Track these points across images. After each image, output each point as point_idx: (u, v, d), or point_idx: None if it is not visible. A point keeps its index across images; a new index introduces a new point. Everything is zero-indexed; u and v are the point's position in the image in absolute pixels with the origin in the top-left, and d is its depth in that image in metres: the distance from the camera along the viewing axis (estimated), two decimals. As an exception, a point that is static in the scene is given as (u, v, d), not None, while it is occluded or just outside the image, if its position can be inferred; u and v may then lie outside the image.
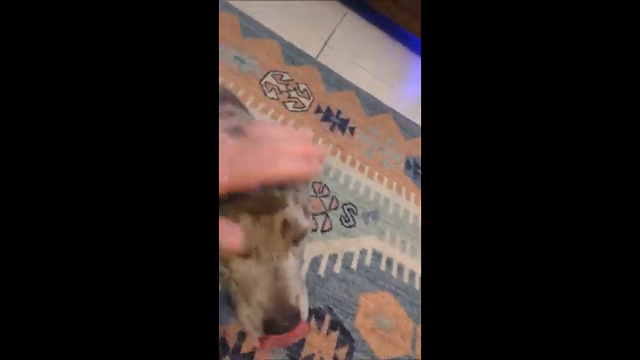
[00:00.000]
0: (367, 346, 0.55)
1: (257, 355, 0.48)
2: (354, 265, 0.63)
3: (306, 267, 0.59)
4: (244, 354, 0.48)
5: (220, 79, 0.77)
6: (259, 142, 0.33)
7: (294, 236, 0.33)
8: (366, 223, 0.70)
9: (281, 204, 0.33)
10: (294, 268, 0.34)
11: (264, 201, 0.32)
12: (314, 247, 0.62)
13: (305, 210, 0.35)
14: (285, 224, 0.33)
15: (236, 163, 0.31)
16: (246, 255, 0.32)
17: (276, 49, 0.91)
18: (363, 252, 0.65)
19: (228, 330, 0.49)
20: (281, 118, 0.78)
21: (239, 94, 0.77)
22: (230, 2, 0.94)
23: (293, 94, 0.84)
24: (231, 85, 0.77)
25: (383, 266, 0.65)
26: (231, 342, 0.48)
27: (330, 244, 0.63)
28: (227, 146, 0.31)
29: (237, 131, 0.33)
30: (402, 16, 1.18)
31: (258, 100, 0.78)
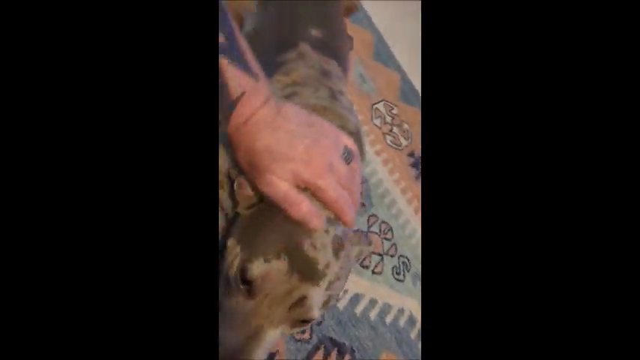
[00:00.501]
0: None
1: (275, 362, 0.48)
2: (388, 320, 0.61)
3: (346, 300, 0.58)
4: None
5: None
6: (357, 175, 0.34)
7: (298, 316, 0.30)
8: (414, 284, 0.68)
9: (315, 278, 0.29)
10: (268, 342, 0.30)
11: (306, 261, 0.29)
12: (362, 283, 0.61)
13: (327, 301, 0.31)
14: (301, 301, 0.29)
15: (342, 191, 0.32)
16: (250, 292, 0.29)
17: (396, 82, 0.93)
18: (401, 311, 0.64)
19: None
20: (377, 147, 0.78)
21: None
22: (374, 22, 0.97)
23: (395, 129, 0.85)
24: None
25: (414, 334, 0.63)
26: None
27: (376, 288, 0.62)
28: (341, 174, 0.32)
29: (348, 155, 0.33)
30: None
31: (363, 122, 0.79)
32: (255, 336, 0.29)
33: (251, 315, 0.30)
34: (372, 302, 0.61)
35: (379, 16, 0.99)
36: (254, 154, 0.30)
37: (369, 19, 0.96)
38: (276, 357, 0.48)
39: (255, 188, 0.32)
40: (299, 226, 0.30)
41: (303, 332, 0.52)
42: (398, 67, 0.96)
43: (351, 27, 0.90)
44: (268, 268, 0.29)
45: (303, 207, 0.30)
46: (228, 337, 0.29)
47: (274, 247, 0.29)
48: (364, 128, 0.78)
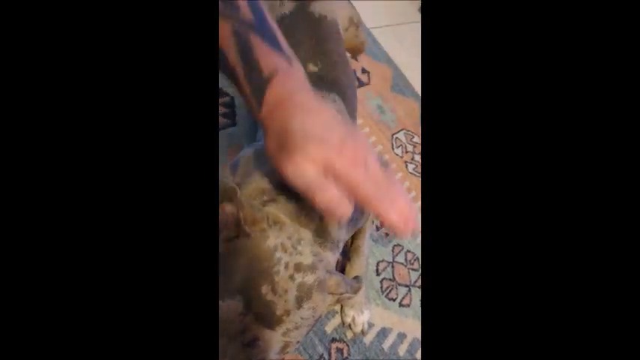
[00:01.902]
0: None
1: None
2: (418, 355, 0.58)
3: (373, 334, 0.56)
4: None
5: (359, 122, 0.82)
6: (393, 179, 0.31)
7: (252, 356, 0.29)
8: (446, 317, 0.65)
9: (271, 322, 0.29)
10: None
11: (263, 305, 0.28)
12: (389, 317, 0.59)
13: (284, 347, 0.30)
14: (254, 342, 0.28)
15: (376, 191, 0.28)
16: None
17: (415, 110, 0.94)
18: (433, 346, 0.61)
19: (286, 357, 0.49)
20: (399, 175, 0.79)
21: (370, 140, 0.80)
22: (392, 57, 1.01)
23: (417, 157, 0.85)
24: (366, 130, 0.81)
25: (448, 372, 0.59)
26: None
27: (404, 321, 0.60)
28: (377, 174, 0.28)
29: (384, 163, 0.32)
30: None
31: (384, 151, 0.80)
32: None
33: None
34: (401, 336, 0.58)
35: (396, 50, 1.03)
36: (287, 134, 0.27)
37: (385, 54, 1.00)
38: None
39: (278, 175, 0.29)
40: (261, 271, 0.30)
41: (328, 368, 0.51)
42: (416, 97, 0.97)
43: (370, 63, 0.94)
44: (223, 306, 0.29)
45: (329, 193, 0.27)
46: None
47: (231, 286, 0.29)
48: (385, 157, 0.79)
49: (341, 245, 0.41)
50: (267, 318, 0.29)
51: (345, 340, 0.54)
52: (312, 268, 0.31)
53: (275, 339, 0.29)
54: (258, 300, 0.29)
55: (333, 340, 0.53)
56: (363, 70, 0.92)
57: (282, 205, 0.35)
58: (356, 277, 0.35)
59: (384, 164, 0.32)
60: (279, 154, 0.28)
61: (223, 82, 0.70)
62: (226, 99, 0.69)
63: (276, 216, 0.34)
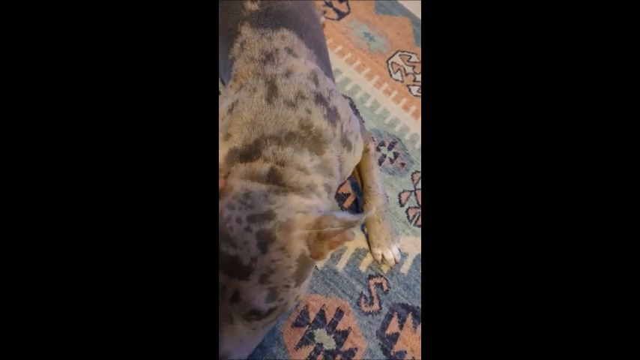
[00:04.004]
0: None
1: (350, 336, 0.48)
2: (460, 273, 0.58)
3: (409, 263, 0.56)
4: (339, 331, 0.49)
5: (348, 56, 0.76)
6: None
7: (242, 310, 0.32)
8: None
9: (241, 273, 0.31)
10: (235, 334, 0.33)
11: (228, 260, 0.31)
12: (419, 243, 0.58)
13: (272, 294, 0.33)
14: (236, 296, 0.32)
15: None
16: None
17: (407, 28, 0.86)
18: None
19: (328, 304, 0.50)
20: (403, 101, 0.74)
21: (364, 72, 0.75)
22: (367, -25, 0.90)
23: (418, 77, 0.79)
24: (357, 63, 0.76)
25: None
26: (329, 316, 0.49)
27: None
28: None
29: None
30: None
31: (382, 80, 0.75)
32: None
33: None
34: (438, 259, 0.58)
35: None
36: None
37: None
38: (350, 334, 0.48)
39: None
40: (219, 234, 0.32)
41: (371, 304, 0.51)
42: (406, 13, 0.88)
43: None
44: None
45: None
46: None
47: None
48: (384, 87, 0.74)
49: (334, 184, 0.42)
50: (237, 270, 0.32)
51: (382, 274, 0.54)
52: (268, 215, 0.33)
53: (254, 288, 0.32)
54: (222, 258, 0.32)
55: (370, 277, 0.53)
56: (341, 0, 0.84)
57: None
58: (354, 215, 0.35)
59: None
60: None
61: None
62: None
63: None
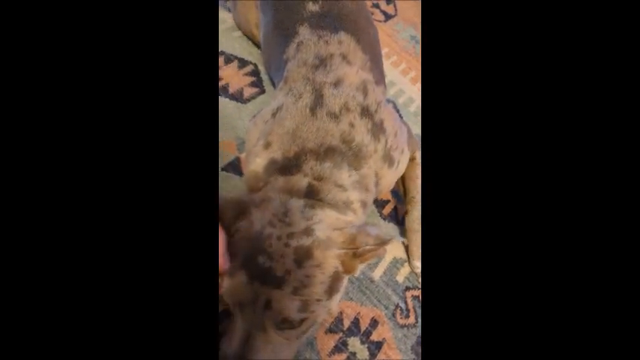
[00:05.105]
0: None
1: (385, 348, 0.47)
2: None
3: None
4: (373, 341, 0.47)
5: (393, 59, 0.74)
6: None
7: (273, 319, 0.32)
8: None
9: (275, 283, 0.31)
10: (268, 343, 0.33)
11: (263, 271, 0.32)
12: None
13: (303, 307, 0.33)
14: (269, 304, 0.32)
15: None
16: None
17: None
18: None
19: (362, 312, 0.49)
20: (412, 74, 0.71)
21: (408, 76, 0.73)
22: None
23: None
24: (402, 67, 0.74)
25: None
26: (364, 325, 0.48)
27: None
28: None
29: None
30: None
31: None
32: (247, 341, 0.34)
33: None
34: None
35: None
36: None
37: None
38: (384, 345, 0.47)
39: None
40: (256, 248, 0.33)
41: (407, 317, 0.49)
42: None
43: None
44: (230, 281, 0.33)
45: None
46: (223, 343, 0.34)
47: (236, 264, 0.33)
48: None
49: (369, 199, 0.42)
50: (271, 279, 0.32)
51: (419, 286, 0.52)
52: (306, 232, 0.34)
53: (287, 297, 0.32)
54: (257, 268, 0.33)
55: (407, 288, 0.52)
56: (388, 1, 0.82)
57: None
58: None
59: None
60: None
61: (243, 52, 0.67)
62: (250, 67, 0.66)
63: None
